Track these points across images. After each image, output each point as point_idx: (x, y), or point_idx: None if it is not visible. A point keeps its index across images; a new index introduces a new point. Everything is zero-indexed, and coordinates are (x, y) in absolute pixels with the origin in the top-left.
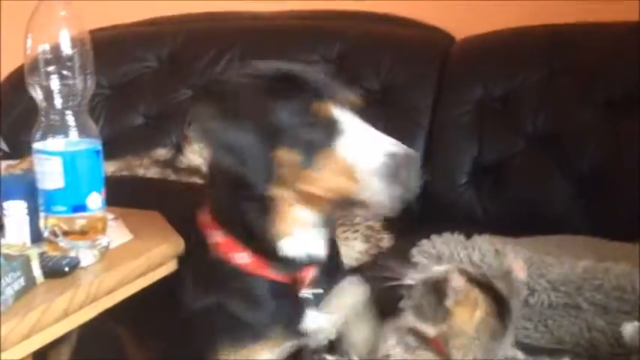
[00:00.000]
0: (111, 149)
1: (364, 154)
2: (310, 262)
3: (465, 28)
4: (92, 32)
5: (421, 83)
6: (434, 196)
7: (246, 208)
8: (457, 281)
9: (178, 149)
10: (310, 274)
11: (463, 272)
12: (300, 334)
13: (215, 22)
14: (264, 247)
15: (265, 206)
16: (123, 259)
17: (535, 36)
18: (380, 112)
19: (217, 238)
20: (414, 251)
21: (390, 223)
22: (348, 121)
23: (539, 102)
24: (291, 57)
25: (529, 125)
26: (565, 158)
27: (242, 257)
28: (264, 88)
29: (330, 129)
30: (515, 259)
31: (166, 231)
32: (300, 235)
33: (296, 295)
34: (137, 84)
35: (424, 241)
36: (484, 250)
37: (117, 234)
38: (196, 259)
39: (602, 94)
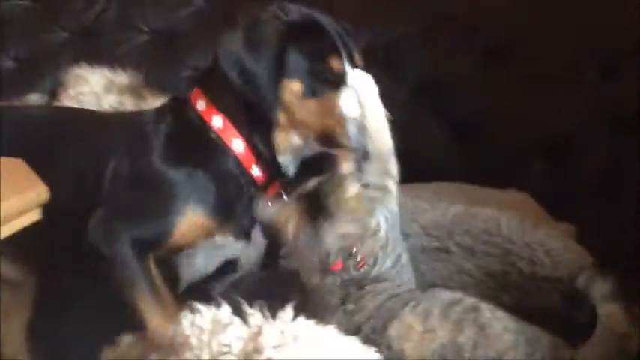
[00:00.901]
0: None
1: (352, 105)
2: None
3: None
4: None
5: None
6: None
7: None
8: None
9: (53, 95)
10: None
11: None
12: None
13: None
14: (259, 149)
15: (270, 124)
16: None
17: None
18: None
19: (217, 122)
20: None
21: None
22: (351, 75)
23: (420, 51)
24: None
25: (411, 75)
26: (442, 106)
27: (238, 145)
28: (286, 31)
29: (337, 79)
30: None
31: (29, 179)
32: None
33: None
34: (7, 24)
35: None
36: None
37: None
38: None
39: (480, 44)
